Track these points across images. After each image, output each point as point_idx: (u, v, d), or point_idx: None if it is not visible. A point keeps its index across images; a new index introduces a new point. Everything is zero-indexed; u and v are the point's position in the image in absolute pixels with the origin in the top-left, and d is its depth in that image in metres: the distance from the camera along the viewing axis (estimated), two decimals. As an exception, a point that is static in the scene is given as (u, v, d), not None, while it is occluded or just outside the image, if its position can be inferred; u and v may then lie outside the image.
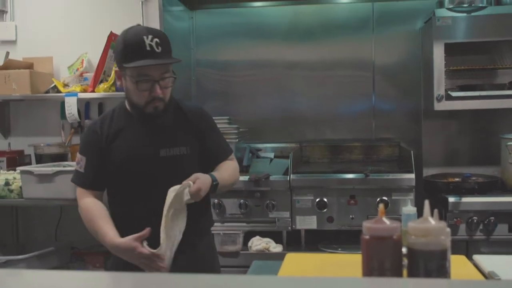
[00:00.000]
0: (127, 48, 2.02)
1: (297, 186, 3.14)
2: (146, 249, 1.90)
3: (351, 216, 3.11)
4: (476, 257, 1.88)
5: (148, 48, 1.99)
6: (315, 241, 3.21)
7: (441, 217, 3.04)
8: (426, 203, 1.28)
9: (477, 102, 3.26)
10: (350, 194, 3.13)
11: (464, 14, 3.25)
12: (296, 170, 3.23)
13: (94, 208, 2.09)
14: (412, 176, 3.10)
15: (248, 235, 3.18)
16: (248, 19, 3.96)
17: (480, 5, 3.22)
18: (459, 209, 3.02)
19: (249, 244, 3.12)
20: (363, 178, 3.12)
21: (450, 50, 3.29)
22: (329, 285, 1.02)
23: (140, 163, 2.12)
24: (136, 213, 2.09)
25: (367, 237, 1.22)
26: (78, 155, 2.18)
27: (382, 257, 1.21)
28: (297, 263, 1.77)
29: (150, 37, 2.01)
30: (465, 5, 3.22)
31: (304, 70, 3.90)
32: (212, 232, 3.15)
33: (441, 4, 3.29)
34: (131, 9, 3.99)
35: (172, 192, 1.94)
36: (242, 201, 3.16)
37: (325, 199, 3.12)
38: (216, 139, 2.29)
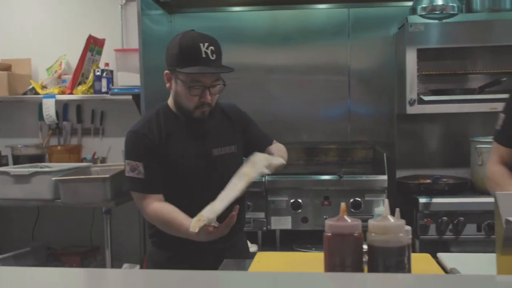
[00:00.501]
0: (183, 53, 2.07)
1: (272, 187, 3.20)
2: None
3: (325, 216, 3.18)
4: (440, 255, 1.94)
5: (203, 55, 2.05)
6: (290, 241, 3.28)
7: (412, 218, 3.15)
8: (386, 202, 1.34)
9: (448, 106, 3.36)
10: (324, 195, 3.21)
11: (436, 21, 3.34)
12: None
13: (167, 210, 2.09)
14: (385, 177, 3.19)
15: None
16: (227, 23, 4.01)
17: (452, 12, 3.30)
18: (429, 210, 3.11)
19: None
20: (337, 180, 3.20)
21: (423, 55, 3.38)
22: (291, 280, 1.08)
23: (196, 163, 2.17)
24: (186, 211, 2.09)
25: (329, 234, 1.28)
26: (131, 162, 2.13)
27: (343, 254, 1.27)
28: (267, 261, 1.83)
29: (206, 44, 2.07)
30: (437, 12, 3.31)
31: (281, 74, 3.96)
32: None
33: (414, 11, 3.37)
34: (110, 12, 4.03)
35: (260, 156, 2.07)
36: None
37: (300, 200, 3.19)
38: (256, 131, 2.41)
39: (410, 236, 1.43)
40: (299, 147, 3.87)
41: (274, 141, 2.45)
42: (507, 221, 1.31)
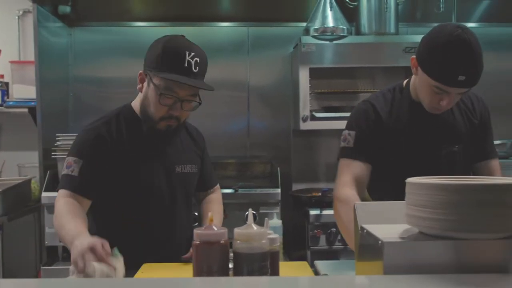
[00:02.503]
0: (165, 56, 1.88)
1: (169, 201, 3.24)
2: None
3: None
4: (317, 263, 2.07)
5: (185, 65, 1.87)
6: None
7: (304, 229, 3.29)
8: (250, 212, 1.43)
9: (338, 122, 3.52)
10: (221, 208, 3.29)
11: (328, 42, 3.53)
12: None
13: (70, 206, 1.85)
14: (278, 191, 3.33)
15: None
16: (128, 38, 4.03)
17: (342, 34, 3.51)
18: (320, 221, 3.26)
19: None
20: (233, 193, 3.30)
21: (316, 74, 3.57)
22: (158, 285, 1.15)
23: (155, 177, 2.01)
24: (126, 226, 1.97)
25: (197, 242, 1.35)
26: (70, 158, 1.93)
27: (210, 260, 1.35)
28: (150, 272, 1.88)
29: (192, 54, 1.89)
30: (328, 34, 3.50)
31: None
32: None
33: (307, 32, 3.55)
34: (6, 23, 3.95)
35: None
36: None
37: (196, 213, 3.23)
38: (208, 165, 2.28)
39: (278, 244, 1.54)
40: (199, 161, 3.93)
41: (218, 186, 2.34)
42: (362, 228, 1.44)
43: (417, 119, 2.06)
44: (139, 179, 1.99)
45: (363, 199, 2.07)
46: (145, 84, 1.97)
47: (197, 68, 1.90)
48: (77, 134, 2.08)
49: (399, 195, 1.40)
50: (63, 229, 1.79)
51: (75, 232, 1.72)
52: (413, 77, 2.07)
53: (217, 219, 2.11)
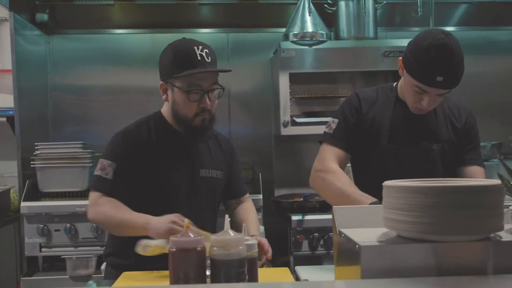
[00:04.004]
0: (178, 58, 2.01)
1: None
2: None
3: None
4: (298, 268, 2.06)
5: (199, 58, 2.00)
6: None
7: (286, 234, 3.28)
8: (226, 218, 1.42)
9: (319, 127, 3.52)
10: (203, 215, 3.26)
11: (307, 47, 3.53)
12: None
13: (120, 204, 2.01)
14: (260, 197, 3.32)
15: (101, 259, 3.19)
16: (108, 45, 4.01)
17: (321, 39, 3.52)
18: (302, 227, 3.25)
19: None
20: (215, 200, 3.27)
21: (296, 79, 3.57)
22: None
23: (180, 179, 2.10)
24: None
25: (173, 249, 1.34)
26: (104, 161, 2.06)
27: (187, 268, 1.33)
28: (130, 280, 1.86)
29: (200, 47, 2.03)
30: (307, 39, 3.51)
31: (161, 96, 4.00)
32: (63, 256, 3.17)
33: (286, 37, 3.55)
34: (-17, 31, 3.90)
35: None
36: (95, 225, 3.18)
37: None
38: (239, 173, 2.36)
39: (256, 250, 1.53)
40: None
41: (248, 195, 2.39)
42: (340, 232, 1.43)
43: (399, 116, 2.16)
44: (164, 180, 2.08)
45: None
46: (169, 92, 2.09)
47: (209, 58, 2.03)
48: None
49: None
50: (129, 221, 1.96)
51: (144, 218, 1.93)
52: (401, 78, 2.16)
53: (256, 227, 2.21)
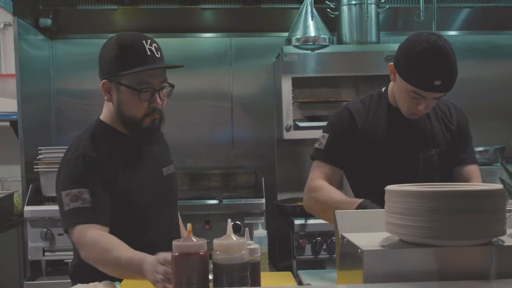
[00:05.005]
0: (125, 53, 1.81)
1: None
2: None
3: (207, 240, 3.23)
4: (300, 272, 2.07)
5: (148, 53, 1.81)
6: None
7: (289, 239, 3.28)
8: (229, 222, 1.43)
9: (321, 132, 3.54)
10: (205, 219, 3.27)
11: (310, 51, 3.54)
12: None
13: (107, 238, 1.75)
14: (263, 201, 3.32)
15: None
16: (111, 49, 4.02)
17: (323, 43, 3.52)
18: (305, 231, 3.25)
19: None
20: (217, 204, 3.28)
21: (298, 83, 3.57)
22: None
23: (150, 183, 1.94)
24: (139, 236, 1.88)
25: (176, 254, 1.34)
26: (72, 191, 1.78)
27: (189, 272, 1.33)
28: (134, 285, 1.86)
29: (148, 41, 1.83)
30: (309, 43, 3.51)
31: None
32: (66, 261, 3.17)
33: (289, 42, 3.55)
34: (-14, 36, 3.92)
35: None
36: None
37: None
38: None
39: (259, 254, 1.53)
40: (184, 173, 3.92)
41: None
42: (342, 236, 1.44)
43: (395, 124, 2.11)
44: (136, 189, 1.90)
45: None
46: (113, 91, 1.86)
47: (159, 53, 1.85)
48: (66, 161, 1.89)
49: (382, 199, 1.39)
50: (119, 261, 1.68)
51: (139, 256, 1.64)
52: (391, 83, 2.12)
53: None
